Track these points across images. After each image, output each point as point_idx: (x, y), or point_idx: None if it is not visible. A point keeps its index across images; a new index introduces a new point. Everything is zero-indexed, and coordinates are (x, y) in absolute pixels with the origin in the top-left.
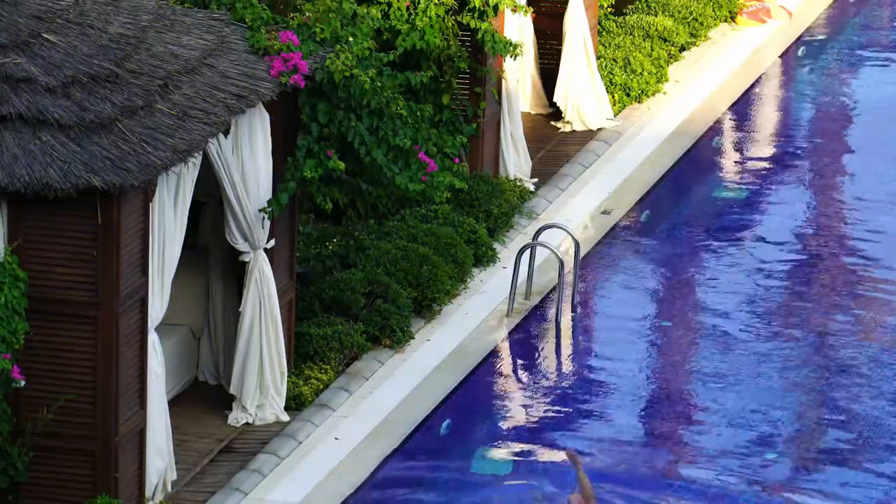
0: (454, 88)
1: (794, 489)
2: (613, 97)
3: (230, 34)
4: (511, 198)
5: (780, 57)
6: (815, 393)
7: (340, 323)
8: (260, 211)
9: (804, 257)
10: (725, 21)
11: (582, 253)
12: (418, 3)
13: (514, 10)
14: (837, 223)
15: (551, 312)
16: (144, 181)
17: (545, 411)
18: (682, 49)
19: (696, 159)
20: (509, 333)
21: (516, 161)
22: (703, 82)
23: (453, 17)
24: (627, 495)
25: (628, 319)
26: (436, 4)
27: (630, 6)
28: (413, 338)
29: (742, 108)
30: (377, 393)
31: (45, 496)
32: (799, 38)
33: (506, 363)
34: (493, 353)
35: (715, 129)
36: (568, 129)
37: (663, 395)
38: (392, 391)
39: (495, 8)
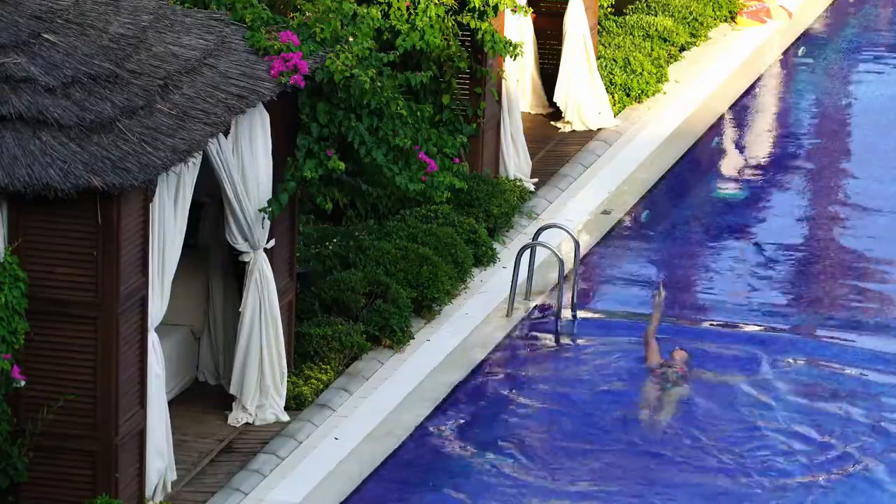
0: (454, 88)
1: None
2: (613, 97)
3: (230, 34)
4: (511, 198)
5: (781, 57)
6: (819, 388)
7: (340, 323)
8: (260, 211)
9: (804, 257)
10: (725, 21)
11: (582, 253)
12: (418, 3)
13: (514, 11)
14: (837, 223)
15: (551, 312)
16: (144, 181)
17: (545, 411)
18: (682, 49)
19: (696, 159)
20: (509, 333)
21: (516, 161)
22: (703, 82)
23: (453, 17)
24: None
25: (628, 319)
26: (436, 4)
27: (630, 6)
28: (413, 338)
29: (742, 108)
30: (377, 393)
31: (45, 496)
32: (799, 38)
33: (505, 363)
34: (493, 354)
35: (715, 129)
36: (568, 129)
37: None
38: (392, 391)
39: (495, 8)
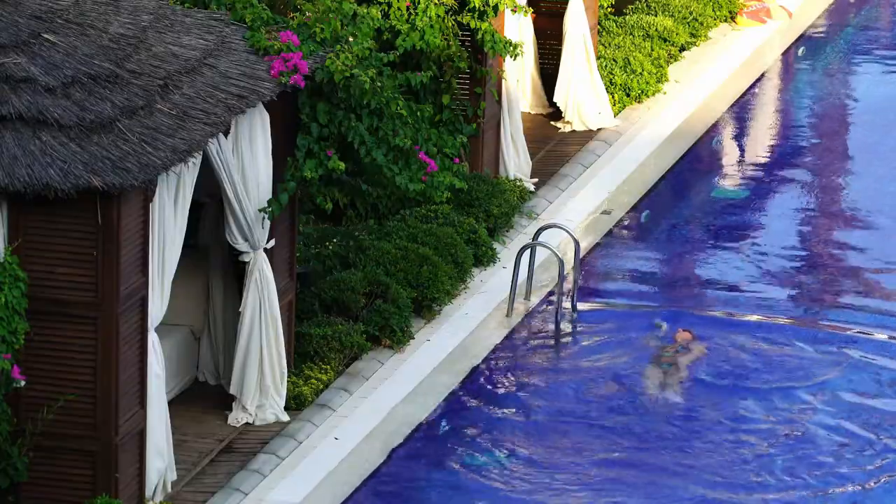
0: (454, 88)
1: None
2: (613, 97)
3: (230, 34)
4: (511, 198)
5: (781, 57)
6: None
7: (340, 323)
8: (260, 211)
9: (804, 257)
10: (725, 21)
11: (582, 253)
12: (418, 3)
13: (514, 11)
14: (837, 223)
15: (551, 312)
16: (144, 181)
17: (544, 411)
18: (682, 49)
19: (696, 159)
20: (509, 333)
21: (516, 161)
22: (702, 82)
23: (453, 17)
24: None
25: (628, 319)
26: (436, 4)
27: (630, 6)
28: (413, 338)
29: (742, 108)
30: (377, 393)
31: (45, 496)
32: (799, 38)
33: (506, 363)
34: (493, 354)
35: (715, 130)
36: (568, 129)
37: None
38: (392, 391)
39: (495, 8)
